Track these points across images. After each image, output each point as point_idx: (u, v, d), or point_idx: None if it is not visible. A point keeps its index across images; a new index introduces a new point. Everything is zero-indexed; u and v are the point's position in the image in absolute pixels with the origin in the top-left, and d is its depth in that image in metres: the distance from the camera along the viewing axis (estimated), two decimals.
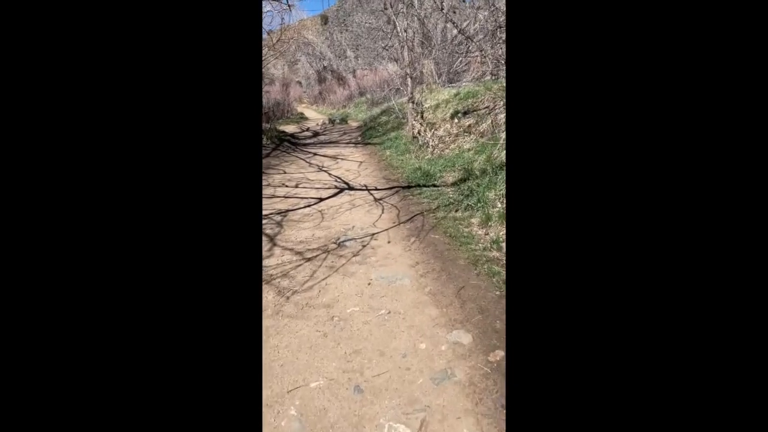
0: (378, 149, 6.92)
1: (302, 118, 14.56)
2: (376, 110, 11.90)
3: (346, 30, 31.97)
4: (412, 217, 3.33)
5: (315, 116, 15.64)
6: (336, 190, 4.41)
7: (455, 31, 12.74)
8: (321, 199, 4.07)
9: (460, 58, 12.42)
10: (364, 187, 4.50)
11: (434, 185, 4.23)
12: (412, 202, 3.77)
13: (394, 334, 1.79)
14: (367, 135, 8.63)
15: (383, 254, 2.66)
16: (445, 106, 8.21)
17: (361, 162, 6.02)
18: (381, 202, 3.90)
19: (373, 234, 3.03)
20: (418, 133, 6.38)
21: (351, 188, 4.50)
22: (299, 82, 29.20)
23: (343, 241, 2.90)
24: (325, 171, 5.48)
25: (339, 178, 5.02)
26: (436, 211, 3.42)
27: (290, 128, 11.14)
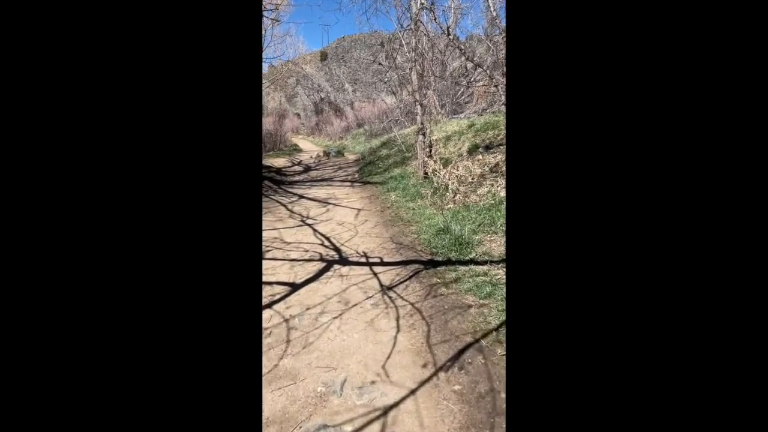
0: (380, 191, 5.34)
1: (296, 150, 13.12)
2: (376, 142, 10.48)
3: (345, 65, 31.60)
4: (460, 354, 1.66)
5: (310, 148, 14.23)
6: (321, 265, 2.75)
7: (455, 64, 11.67)
8: (293, 288, 2.40)
9: (462, 89, 11.26)
10: (364, 259, 2.85)
11: (474, 261, 2.60)
12: (449, 304, 2.10)
13: None
14: (366, 171, 7.09)
15: None
16: (459, 139, 6.73)
17: (359, 210, 4.40)
18: (392, 295, 2.24)
19: (386, 411, 1.35)
20: (432, 172, 4.83)
21: (344, 260, 2.84)
22: (297, 114, 28.29)
23: None
24: (310, 225, 3.84)
25: (327, 239, 3.37)
26: (500, 335, 1.75)
27: (279, 162, 9.62)
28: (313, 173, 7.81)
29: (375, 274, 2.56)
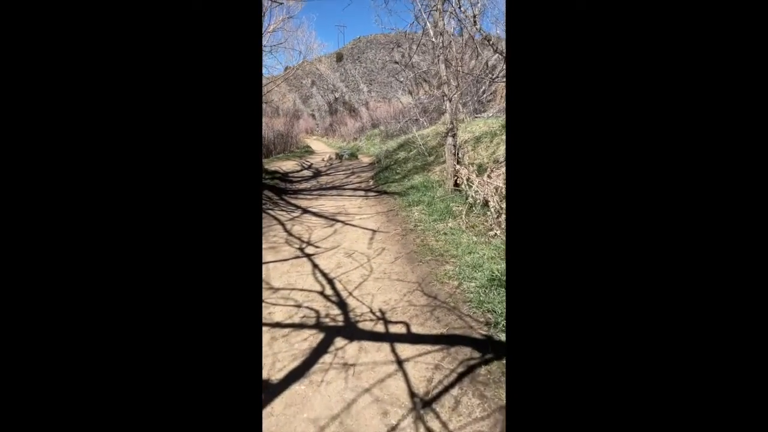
0: (399, 204, 4.31)
1: (307, 152, 12.21)
2: (392, 144, 9.46)
3: (360, 65, 30.75)
4: None
5: (323, 149, 13.33)
6: (315, 337, 1.76)
7: (476, 60, 10.53)
8: (263, 394, 1.41)
9: (484, 87, 10.13)
10: (381, 325, 1.83)
11: None
12: None
13: None
14: (382, 178, 6.07)
15: None
16: (491, 141, 5.63)
17: (374, 233, 3.39)
18: (434, 426, 1.22)
19: None
20: (467, 181, 3.77)
21: (350, 327, 1.84)
22: (312, 115, 27.64)
23: None
24: (309, 257, 2.85)
25: (330, 281, 2.37)
26: None
27: (288, 165, 8.71)
28: (323, 179, 6.85)
29: (400, 364, 1.54)
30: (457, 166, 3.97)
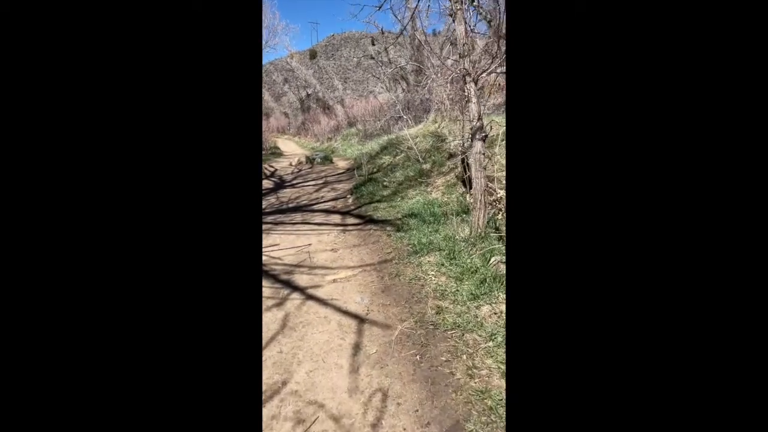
0: (397, 246, 2.61)
1: (274, 153, 10.22)
2: (373, 145, 7.73)
3: (335, 63, 28.69)
4: None
5: (293, 150, 11.36)
6: None
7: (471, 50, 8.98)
8: None
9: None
10: None
11: None
12: None
13: None
14: (366, 194, 4.34)
15: None
16: None
17: (360, 325, 1.68)
18: None
19: None
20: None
21: None
22: (285, 113, 25.41)
23: None
24: None
25: None
26: None
27: None
28: (287, 192, 5.04)
29: None
30: (500, 192, 2.33)
